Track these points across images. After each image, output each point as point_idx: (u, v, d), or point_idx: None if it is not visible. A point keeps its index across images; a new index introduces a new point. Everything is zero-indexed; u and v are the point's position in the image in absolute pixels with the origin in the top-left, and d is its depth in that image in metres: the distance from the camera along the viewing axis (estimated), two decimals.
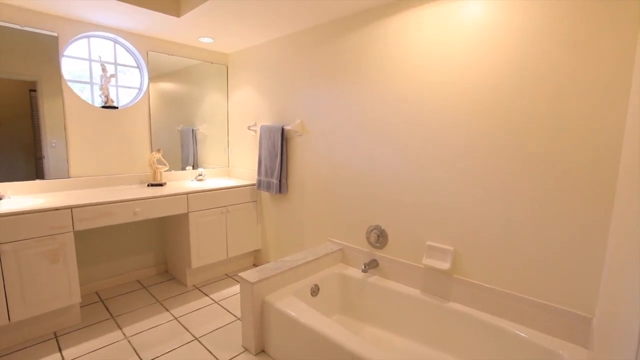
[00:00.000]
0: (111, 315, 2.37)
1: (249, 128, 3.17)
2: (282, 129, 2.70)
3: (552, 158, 1.53)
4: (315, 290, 2.15)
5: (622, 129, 1.36)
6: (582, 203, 1.47)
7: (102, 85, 2.67)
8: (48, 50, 2.39)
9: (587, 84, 1.43)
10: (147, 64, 2.89)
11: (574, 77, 1.46)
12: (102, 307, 2.47)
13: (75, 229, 2.10)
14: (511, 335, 1.64)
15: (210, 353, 1.96)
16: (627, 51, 1.34)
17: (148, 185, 2.80)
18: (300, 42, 2.61)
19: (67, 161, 2.54)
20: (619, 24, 1.35)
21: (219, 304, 2.52)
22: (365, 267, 2.16)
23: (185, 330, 2.19)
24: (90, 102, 2.64)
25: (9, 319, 1.91)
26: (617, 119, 1.37)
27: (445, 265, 1.88)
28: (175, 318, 2.33)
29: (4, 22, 2.21)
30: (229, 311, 2.43)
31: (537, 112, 1.56)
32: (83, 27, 2.53)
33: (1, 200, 2.14)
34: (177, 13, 2.38)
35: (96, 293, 2.68)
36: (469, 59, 1.75)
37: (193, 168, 3.28)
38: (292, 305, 1.83)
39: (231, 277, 3.02)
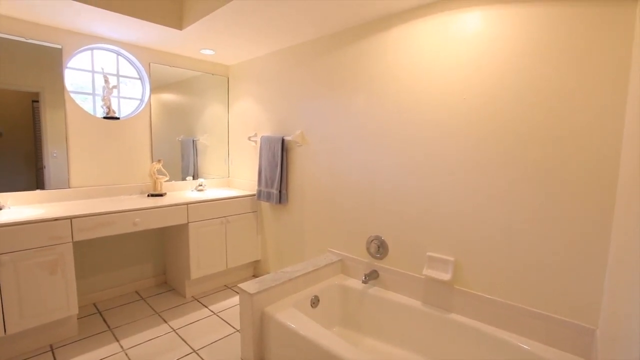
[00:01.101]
0: (109, 327, 2.34)
1: (249, 139, 3.18)
2: (282, 140, 2.72)
3: (552, 166, 1.54)
4: (315, 302, 2.13)
5: (620, 136, 1.37)
6: (583, 210, 1.47)
7: (104, 97, 2.70)
8: (52, 61, 2.43)
9: (585, 92, 1.44)
10: (149, 75, 2.92)
11: (572, 85, 1.47)
12: (99, 318, 2.45)
13: (74, 240, 2.09)
14: (514, 347, 1.62)
15: None
16: (623, 60, 1.36)
17: (148, 196, 2.80)
18: (300, 54, 2.65)
19: (68, 171, 2.54)
20: (615, 34, 1.37)
21: (218, 316, 2.50)
22: (365, 278, 2.15)
23: (183, 342, 2.16)
24: (92, 112, 2.67)
25: (5, 331, 1.88)
26: (615, 127, 1.38)
27: (446, 276, 1.87)
28: (174, 330, 2.30)
29: (9, 34, 2.24)
30: (228, 323, 2.40)
31: (536, 121, 1.57)
32: (87, 40, 2.57)
33: (1, 211, 2.14)
34: (180, 26, 2.42)
35: (94, 304, 2.65)
36: (468, 70, 1.77)
37: (193, 178, 3.28)
38: (292, 317, 1.81)
39: (230, 288, 2.99)
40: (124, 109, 2.90)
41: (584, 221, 1.47)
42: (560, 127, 1.51)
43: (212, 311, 2.57)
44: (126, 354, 2.03)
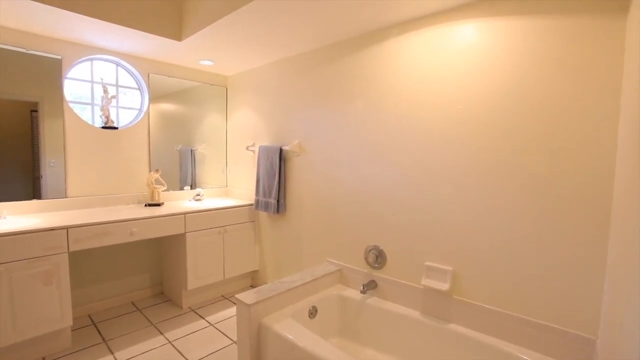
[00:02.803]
0: (103, 339, 2.30)
1: (247, 148, 3.19)
2: (280, 150, 2.73)
3: (550, 175, 1.55)
4: (313, 312, 2.11)
5: (615, 146, 1.39)
6: (582, 218, 1.48)
7: (103, 106, 2.71)
8: (51, 72, 2.44)
9: (582, 101, 1.46)
10: (148, 85, 2.94)
11: (569, 95, 1.49)
12: (94, 330, 2.41)
13: (70, 250, 2.08)
14: (513, 358, 1.60)
15: None
16: (617, 70, 1.38)
17: (145, 205, 2.79)
18: (299, 65, 2.67)
19: (65, 181, 2.54)
20: (608, 45, 1.40)
21: (214, 327, 2.46)
22: (363, 288, 2.13)
23: (179, 354, 2.13)
24: (90, 122, 2.67)
25: None
26: (611, 136, 1.40)
27: (444, 286, 1.86)
28: (170, 342, 2.27)
29: (10, 45, 2.26)
30: (225, 334, 2.37)
31: (534, 131, 1.58)
32: (87, 51, 2.59)
33: None
34: (179, 37, 2.45)
35: (89, 316, 2.61)
36: (466, 81, 1.79)
37: (191, 188, 3.28)
38: (290, 327, 1.79)
39: (228, 298, 2.96)
40: (123, 118, 2.90)
41: (583, 229, 1.47)
42: (558, 137, 1.52)
43: (209, 322, 2.54)
44: None
